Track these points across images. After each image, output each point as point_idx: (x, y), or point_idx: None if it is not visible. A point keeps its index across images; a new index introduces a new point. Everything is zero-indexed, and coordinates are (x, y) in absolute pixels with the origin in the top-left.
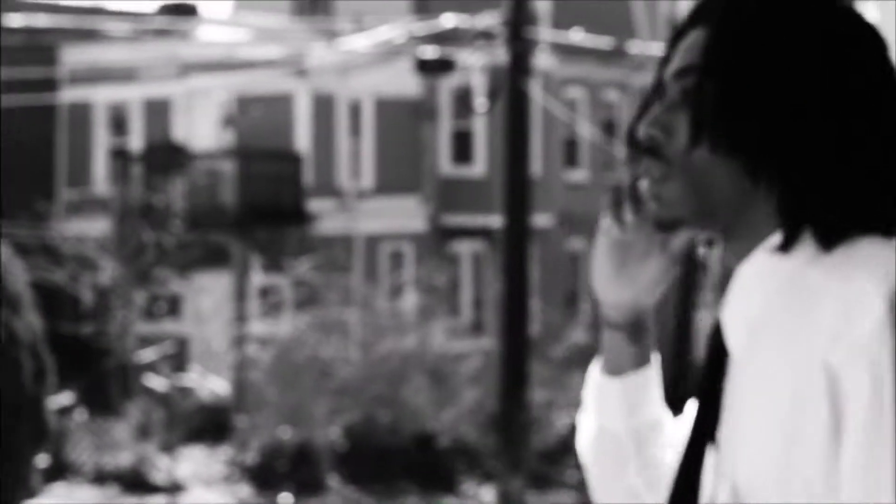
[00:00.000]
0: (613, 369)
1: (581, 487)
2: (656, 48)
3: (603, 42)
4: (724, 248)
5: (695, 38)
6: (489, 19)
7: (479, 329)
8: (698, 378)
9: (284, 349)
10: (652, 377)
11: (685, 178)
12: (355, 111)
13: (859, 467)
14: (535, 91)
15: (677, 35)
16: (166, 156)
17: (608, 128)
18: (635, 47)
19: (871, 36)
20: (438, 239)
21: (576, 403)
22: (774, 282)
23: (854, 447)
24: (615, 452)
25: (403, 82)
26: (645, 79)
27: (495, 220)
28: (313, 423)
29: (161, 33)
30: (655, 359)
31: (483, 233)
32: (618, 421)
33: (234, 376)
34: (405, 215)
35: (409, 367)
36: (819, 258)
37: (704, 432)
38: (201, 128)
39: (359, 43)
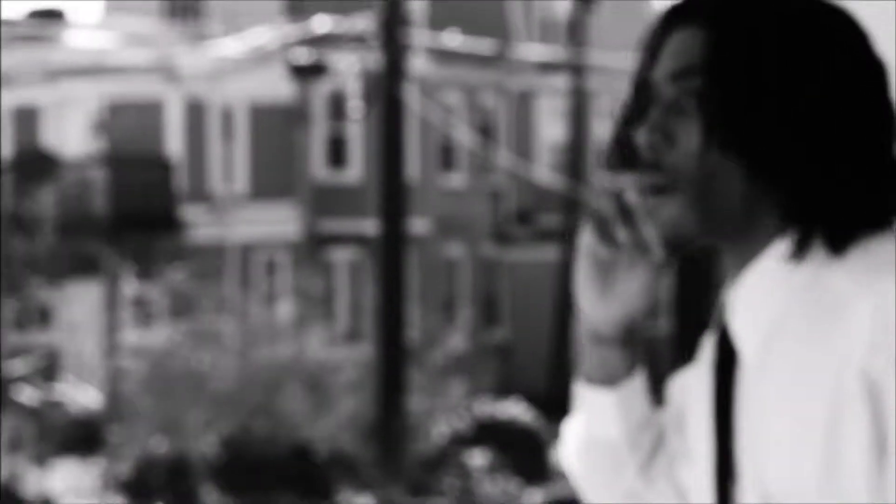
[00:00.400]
0: (605, 380)
1: (459, 495)
2: (533, 51)
3: (479, 45)
4: (724, 256)
5: (687, 37)
6: (363, 22)
7: (357, 337)
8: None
9: (158, 359)
10: (642, 380)
11: (691, 188)
12: (228, 116)
13: None
14: (411, 95)
15: (660, 35)
16: (36, 163)
17: (485, 132)
18: (512, 50)
19: (860, 33)
20: (314, 246)
21: (454, 410)
22: (789, 287)
23: None
24: (612, 460)
25: (277, 87)
26: (521, 81)
27: (371, 226)
28: (188, 435)
29: (29, 39)
30: (643, 361)
31: (359, 239)
32: (613, 429)
33: (107, 387)
34: (279, 222)
35: (285, 377)
36: (835, 262)
37: (725, 439)
38: (72, 135)
39: (231, 47)
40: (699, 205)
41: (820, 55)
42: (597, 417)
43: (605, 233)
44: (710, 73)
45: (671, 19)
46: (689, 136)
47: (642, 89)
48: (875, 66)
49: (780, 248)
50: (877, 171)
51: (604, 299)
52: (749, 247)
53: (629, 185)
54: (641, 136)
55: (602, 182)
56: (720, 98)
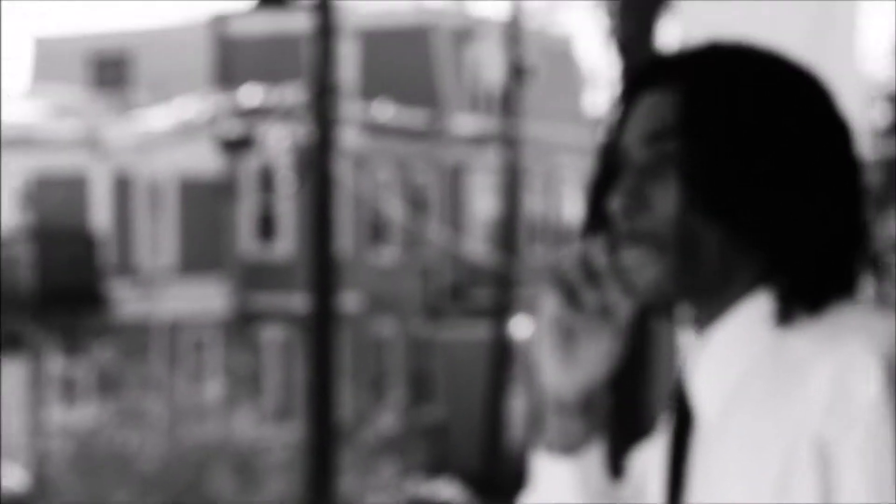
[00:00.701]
0: (564, 449)
1: None
2: (465, 123)
3: (411, 117)
4: (693, 316)
5: (658, 100)
6: (293, 94)
7: (286, 416)
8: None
9: (84, 439)
10: (600, 451)
11: (670, 251)
12: (155, 190)
13: None
14: (342, 169)
15: (629, 99)
16: None
17: (417, 206)
18: (444, 122)
19: (825, 92)
20: (243, 323)
21: (386, 490)
22: (754, 349)
23: None
24: None
25: (205, 160)
26: (454, 154)
27: (301, 302)
28: None
29: None
30: (601, 432)
31: (289, 316)
32: (570, 499)
33: (33, 467)
34: (208, 297)
35: (213, 456)
36: (803, 326)
37: (676, 499)
38: None
39: (159, 118)
40: (680, 267)
41: (793, 114)
42: (555, 487)
43: (571, 297)
44: (687, 133)
45: (640, 82)
46: (666, 200)
47: (612, 154)
48: (841, 126)
49: (748, 309)
50: (848, 232)
51: (566, 367)
52: (721, 307)
53: (598, 250)
54: (615, 203)
55: (572, 249)
56: (699, 159)
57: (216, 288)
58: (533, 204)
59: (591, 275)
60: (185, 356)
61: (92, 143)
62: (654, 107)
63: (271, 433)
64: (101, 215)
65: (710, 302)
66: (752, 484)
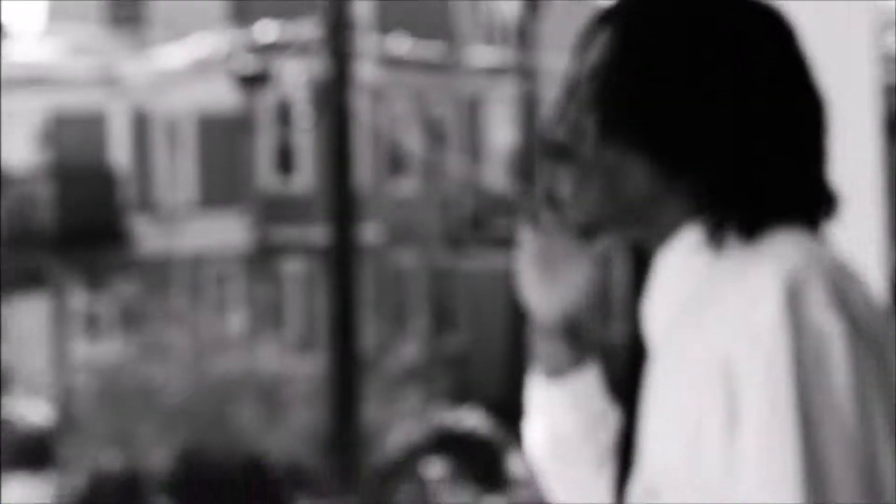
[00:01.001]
0: (553, 373)
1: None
2: (482, 55)
3: (428, 50)
4: (642, 245)
5: (604, 38)
6: (309, 28)
7: (309, 347)
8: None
9: (109, 373)
10: (593, 374)
11: (600, 180)
12: (173, 126)
13: (754, 456)
14: (360, 102)
15: (586, 37)
16: None
17: (435, 138)
18: (461, 54)
19: (779, 25)
20: (264, 256)
21: (410, 420)
22: (692, 276)
23: (750, 436)
24: (567, 452)
25: (222, 96)
26: (471, 86)
27: (322, 234)
28: (140, 449)
29: None
30: (594, 356)
31: (310, 249)
32: (564, 421)
33: (58, 402)
34: (228, 231)
35: (237, 389)
36: (732, 251)
37: (628, 431)
38: (16, 148)
39: (175, 55)
40: (607, 193)
41: (724, 48)
42: (547, 410)
43: (536, 220)
44: (611, 69)
45: (597, 22)
46: (595, 131)
47: (571, 87)
48: (794, 62)
49: (688, 235)
50: (792, 163)
51: (542, 289)
52: (661, 235)
53: (560, 178)
54: (555, 132)
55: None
56: (620, 94)
57: (236, 222)
58: None
59: (553, 202)
60: (206, 290)
61: (109, 80)
62: (600, 45)
63: (294, 365)
64: (119, 152)
65: (649, 230)
66: (673, 407)
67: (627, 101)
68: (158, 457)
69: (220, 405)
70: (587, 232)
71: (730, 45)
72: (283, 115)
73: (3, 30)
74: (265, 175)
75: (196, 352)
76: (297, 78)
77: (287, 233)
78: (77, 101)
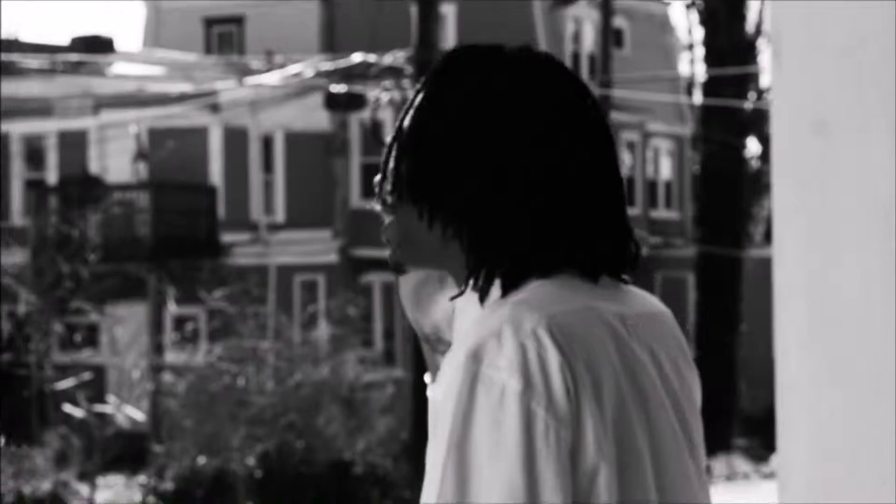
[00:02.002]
0: (432, 378)
1: None
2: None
3: None
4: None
5: (411, 100)
6: (397, 56)
7: (391, 359)
8: None
9: (200, 379)
10: None
11: (398, 230)
12: (267, 145)
13: (425, 486)
14: None
15: (412, 96)
16: (82, 188)
17: None
18: None
19: (546, 85)
20: (350, 270)
21: None
22: (466, 321)
23: (428, 464)
24: None
25: (314, 117)
26: None
27: None
28: (229, 452)
29: (75, 67)
30: None
31: None
32: None
33: (151, 405)
34: (317, 248)
35: (322, 397)
36: (496, 303)
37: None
38: (115, 161)
39: (270, 78)
40: (406, 244)
41: (480, 119)
42: (433, 408)
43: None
44: (399, 131)
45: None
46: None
47: (390, 143)
48: (547, 118)
49: (467, 290)
50: (539, 221)
51: (415, 310)
52: (457, 279)
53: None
54: (376, 183)
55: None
56: (396, 160)
57: (325, 240)
58: (624, 164)
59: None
60: (295, 301)
61: (206, 99)
62: (408, 106)
63: (377, 375)
64: (215, 168)
65: (447, 273)
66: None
67: (400, 165)
68: (246, 459)
69: (307, 411)
70: (395, 270)
71: (482, 115)
72: (372, 135)
73: (105, 45)
74: (354, 193)
75: (284, 360)
76: (385, 101)
77: (374, 250)
78: (176, 118)
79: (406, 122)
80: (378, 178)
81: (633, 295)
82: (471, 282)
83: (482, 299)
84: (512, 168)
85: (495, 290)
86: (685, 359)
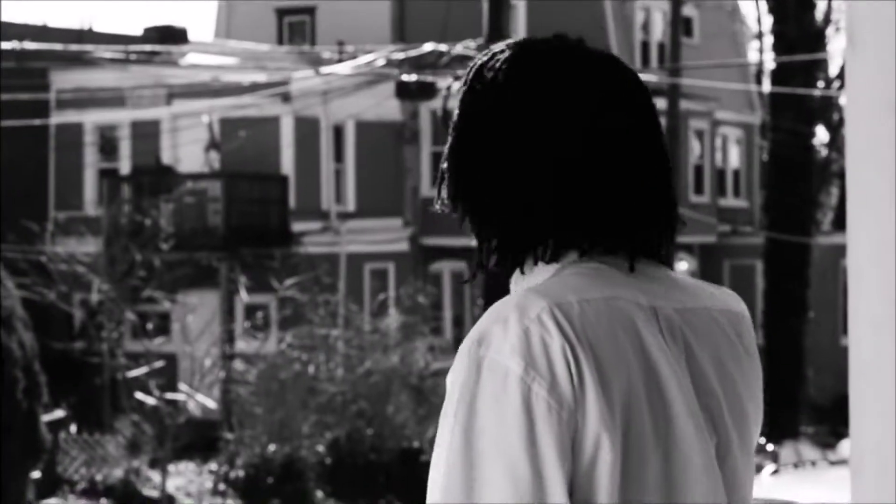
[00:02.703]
0: None
1: None
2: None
3: None
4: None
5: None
6: (468, 45)
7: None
8: None
9: (270, 366)
10: None
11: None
12: (338, 135)
13: (433, 466)
14: None
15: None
16: (154, 177)
17: None
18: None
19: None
20: (420, 259)
21: None
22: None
23: (436, 447)
24: None
25: (385, 107)
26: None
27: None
28: (299, 439)
29: (148, 57)
30: None
31: (464, 253)
32: None
33: (222, 393)
34: (388, 237)
35: (392, 385)
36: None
37: None
38: (188, 150)
39: (342, 68)
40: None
41: (499, 123)
42: None
43: None
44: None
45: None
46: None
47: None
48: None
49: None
50: (551, 209)
51: None
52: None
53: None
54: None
55: None
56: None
57: (395, 229)
58: (693, 152)
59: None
60: (365, 289)
61: (279, 90)
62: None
63: (447, 363)
64: (286, 158)
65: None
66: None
67: (446, 164)
68: (316, 447)
69: (376, 399)
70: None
71: (531, 111)
72: (443, 125)
73: (179, 35)
74: (424, 182)
75: (354, 348)
76: (456, 90)
77: (444, 239)
78: (249, 108)
79: (452, 124)
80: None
81: (682, 288)
82: (514, 267)
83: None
84: (541, 157)
85: (524, 280)
86: (735, 357)
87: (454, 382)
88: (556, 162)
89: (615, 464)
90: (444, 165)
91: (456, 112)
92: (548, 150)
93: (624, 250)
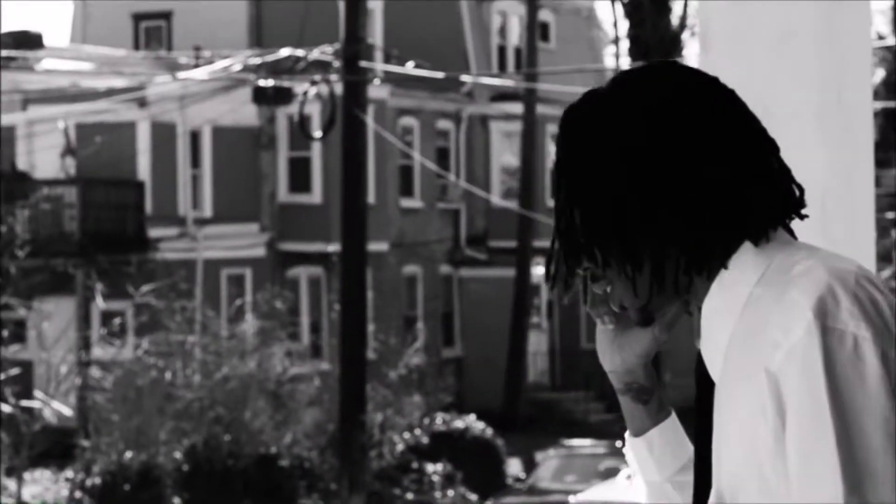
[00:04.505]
0: (635, 430)
1: None
2: (487, 80)
3: (435, 73)
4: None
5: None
6: (325, 51)
7: (318, 353)
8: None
9: (127, 373)
10: (670, 426)
11: (623, 287)
12: (195, 140)
13: (800, 461)
14: (370, 120)
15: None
16: (10, 183)
17: (442, 156)
18: (468, 79)
19: (684, 97)
20: (277, 264)
21: (412, 424)
22: (731, 311)
23: (794, 443)
24: (660, 495)
25: (242, 112)
26: (477, 109)
27: (333, 247)
28: (156, 446)
29: (3, 62)
30: (668, 411)
31: (321, 258)
32: (654, 474)
33: (78, 400)
34: (245, 242)
35: (249, 390)
36: (765, 279)
37: (702, 453)
38: (44, 156)
39: (198, 74)
40: (643, 291)
41: (637, 140)
42: (638, 465)
43: (595, 314)
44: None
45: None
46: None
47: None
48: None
49: (718, 280)
50: (722, 203)
51: (609, 355)
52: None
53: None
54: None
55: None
56: (577, 230)
57: (252, 234)
58: (550, 156)
59: (586, 293)
60: (222, 296)
61: (136, 96)
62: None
63: (304, 368)
64: (143, 164)
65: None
66: (734, 422)
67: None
68: (173, 454)
69: (233, 405)
70: (644, 320)
71: (640, 134)
72: (299, 130)
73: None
74: (281, 187)
75: (211, 354)
76: (312, 95)
77: (301, 244)
78: (104, 113)
79: (572, 190)
80: (567, 258)
81: None
82: (722, 278)
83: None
84: (687, 173)
85: (743, 278)
86: None
87: (792, 363)
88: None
89: None
90: (582, 218)
91: (575, 163)
92: (698, 159)
93: (782, 227)
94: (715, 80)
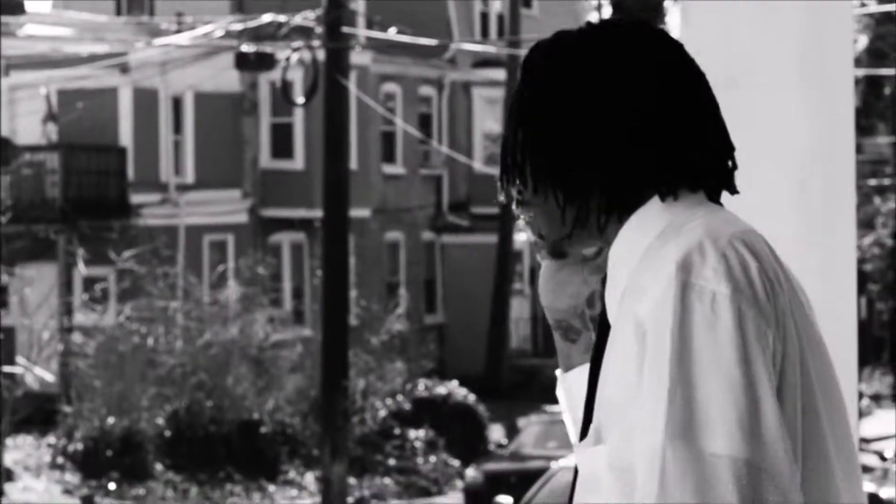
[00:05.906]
0: (564, 367)
1: (400, 471)
2: (470, 46)
3: (418, 40)
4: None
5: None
6: (308, 17)
7: (300, 319)
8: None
9: (109, 339)
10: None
11: (545, 218)
12: (177, 106)
13: (637, 406)
14: (352, 86)
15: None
16: None
17: (424, 122)
18: (451, 46)
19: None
20: (260, 230)
21: (395, 390)
22: (629, 260)
23: (646, 380)
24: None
25: (224, 78)
26: (459, 75)
27: (315, 213)
28: (138, 411)
29: None
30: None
31: (303, 224)
32: (579, 410)
33: (60, 366)
34: (227, 208)
35: (231, 356)
36: (664, 233)
37: (590, 397)
38: (25, 122)
39: (180, 39)
40: (554, 226)
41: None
42: (565, 402)
43: (537, 253)
44: (511, 128)
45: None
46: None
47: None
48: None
49: (626, 228)
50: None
51: (549, 294)
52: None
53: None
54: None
55: None
56: (515, 153)
57: (235, 201)
58: None
59: (538, 238)
60: (205, 262)
61: (118, 61)
62: (515, 97)
63: (286, 334)
64: (125, 130)
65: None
66: (614, 362)
67: (541, 151)
68: (156, 420)
69: (216, 371)
70: (557, 255)
71: (600, 86)
72: (281, 96)
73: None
74: (263, 153)
75: (194, 320)
76: (295, 61)
77: (283, 210)
78: (85, 79)
79: (522, 113)
80: (502, 176)
81: None
82: (629, 226)
83: (602, 231)
84: (626, 119)
85: (646, 230)
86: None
87: (659, 309)
88: (643, 117)
89: (797, 396)
90: (525, 140)
91: (531, 91)
92: (638, 109)
93: (707, 188)
94: (678, 46)
